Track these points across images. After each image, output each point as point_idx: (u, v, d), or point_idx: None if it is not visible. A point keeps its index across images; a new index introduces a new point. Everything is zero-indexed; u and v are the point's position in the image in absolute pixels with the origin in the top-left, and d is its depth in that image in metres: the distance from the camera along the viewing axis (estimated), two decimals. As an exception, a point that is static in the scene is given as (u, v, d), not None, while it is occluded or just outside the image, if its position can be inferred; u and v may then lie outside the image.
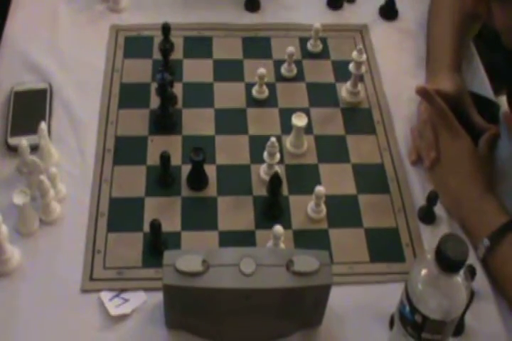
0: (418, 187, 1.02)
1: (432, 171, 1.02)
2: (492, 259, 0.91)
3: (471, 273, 0.85)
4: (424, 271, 0.73)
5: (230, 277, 0.79)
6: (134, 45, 1.18)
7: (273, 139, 0.98)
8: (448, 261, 0.69)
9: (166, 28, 1.14)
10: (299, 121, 1.01)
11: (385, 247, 0.96)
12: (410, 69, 1.17)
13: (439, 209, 0.99)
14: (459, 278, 0.71)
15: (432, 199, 0.95)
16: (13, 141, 1.02)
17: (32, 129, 1.00)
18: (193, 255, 0.80)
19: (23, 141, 0.96)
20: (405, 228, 0.98)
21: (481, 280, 0.91)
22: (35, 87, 1.09)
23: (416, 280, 0.73)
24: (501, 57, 1.07)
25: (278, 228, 0.89)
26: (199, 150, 0.98)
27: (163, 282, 0.79)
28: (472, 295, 0.80)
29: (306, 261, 0.80)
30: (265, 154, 1.00)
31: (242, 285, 0.79)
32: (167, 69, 1.11)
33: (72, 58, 1.15)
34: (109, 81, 1.12)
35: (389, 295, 0.85)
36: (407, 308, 0.74)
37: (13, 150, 1.00)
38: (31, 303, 0.88)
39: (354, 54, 1.08)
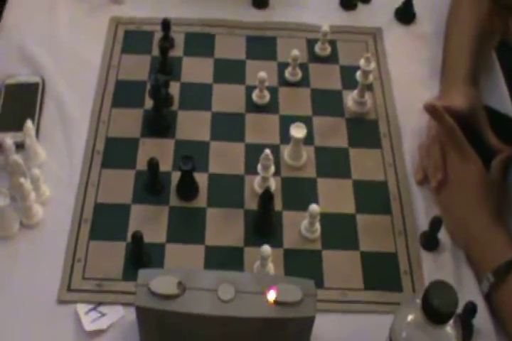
0: (422, 209, 0.96)
1: (439, 193, 0.95)
2: (496, 296, 0.85)
3: (472, 310, 0.80)
4: (410, 317, 0.66)
5: (206, 302, 0.75)
6: (133, 39, 1.13)
7: (267, 151, 0.92)
8: (435, 312, 0.63)
9: (166, 24, 1.09)
10: (297, 132, 0.95)
11: (382, 274, 0.90)
12: (424, 79, 1.10)
13: (443, 235, 0.93)
14: (449, 327, 0.65)
15: (435, 225, 0.89)
16: (-2, 136, 0.97)
17: (20, 126, 0.96)
18: (169, 276, 0.76)
19: (8, 140, 0.92)
20: (405, 254, 0.92)
21: (483, 317, 0.85)
22: (27, 81, 1.05)
23: (401, 326, 0.67)
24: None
25: (266, 248, 0.84)
26: (188, 159, 0.92)
27: (136, 303, 0.75)
28: (470, 336, 0.74)
29: (289, 290, 0.75)
30: (259, 166, 0.94)
31: (219, 312, 0.74)
32: (165, 68, 1.06)
33: (68, 51, 1.10)
34: (104, 77, 1.08)
35: (381, 327, 0.78)
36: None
37: (-1, 146, 0.96)
38: (2, 311, 0.84)
39: (361, 62, 1.01)
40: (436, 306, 0.63)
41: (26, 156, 0.95)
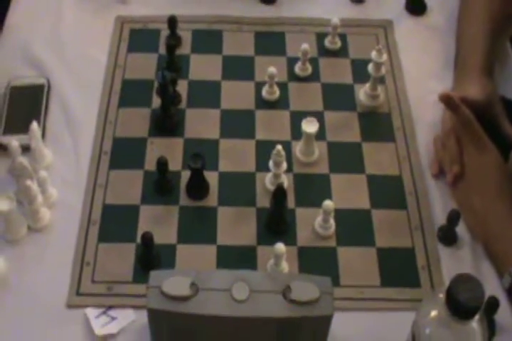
0: (439, 204, 0.93)
1: (455, 187, 0.92)
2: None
3: (494, 305, 0.77)
4: (433, 313, 0.63)
5: (220, 303, 0.72)
6: (139, 38, 1.11)
7: (279, 147, 0.89)
8: (460, 307, 0.60)
9: (172, 22, 1.07)
10: (309, 127, 0.93)
11: (399, 270, 0.88)
12: (437, 70, 1.08)
13: (461, 229, 0.90)
14: (474, 323, 0.62)
15: (452, 219, 0.86)
16: (4, 139, 0.96)
17: (25, 128, 0.94)
18: (181, 277, 0.74)
19: (14, 143, 0.90)
20: (422, 249, 0.89)
21: (505, 312, 0.82)
22: (32, 82, 1.04)
23: (424, 323, 0.64)
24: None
25: (279, 246, 0.82)
26: (198, 157, 0.90)
27: (147, 306, 0.73)
28: (493, 332, 0.71)
29: (306, 288, 0.73)
30: (271, 163, 0.92)
31: (233, 312, 0.72)
32: (172, 66, 1.04)
33: (74, 51, 1.09)
34: (110, 77, 1.06)
35: (400, 325, 0.77)
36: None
37: (5, 149, 0.93)
38: (12, 316, 0.83)
39: (373, 54, 0.99)
40: (462, 300, 0.60)
41: (32, 158, 0.94)
